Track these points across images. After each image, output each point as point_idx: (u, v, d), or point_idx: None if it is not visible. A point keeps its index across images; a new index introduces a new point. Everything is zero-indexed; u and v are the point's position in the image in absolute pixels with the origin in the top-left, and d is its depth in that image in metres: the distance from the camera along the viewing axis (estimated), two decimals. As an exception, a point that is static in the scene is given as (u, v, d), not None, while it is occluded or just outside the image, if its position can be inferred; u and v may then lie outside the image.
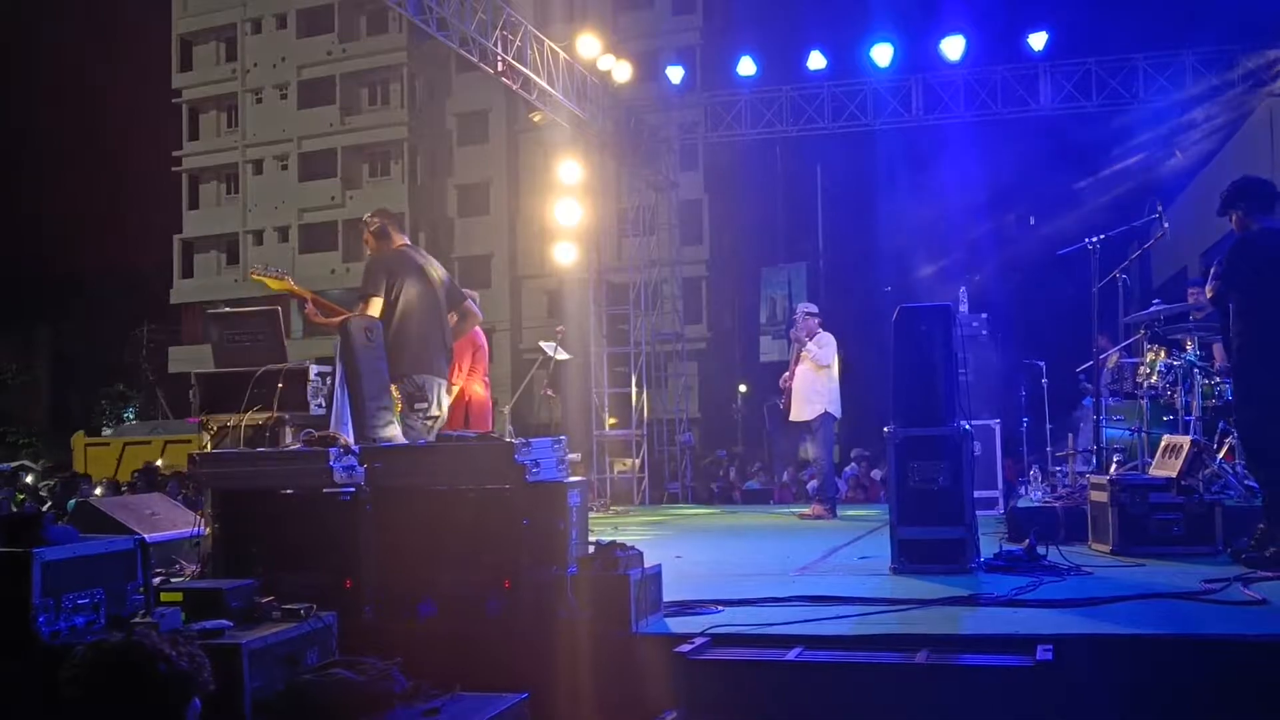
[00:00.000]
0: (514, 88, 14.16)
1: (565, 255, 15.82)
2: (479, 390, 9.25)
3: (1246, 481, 7.52)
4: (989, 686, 4.06)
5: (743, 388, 37.06)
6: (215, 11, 45.63)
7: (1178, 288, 16.57)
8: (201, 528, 5.49)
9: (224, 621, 4.09)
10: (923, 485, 6.30)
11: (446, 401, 7.25)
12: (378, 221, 7.18)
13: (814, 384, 10.83)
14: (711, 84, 20.79)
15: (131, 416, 46.70)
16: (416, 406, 6.79)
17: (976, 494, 6.56)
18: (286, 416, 6.13)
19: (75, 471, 21.94)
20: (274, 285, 6.95)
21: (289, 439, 6.02)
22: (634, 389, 17.06)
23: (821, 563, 7.16)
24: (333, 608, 4.62)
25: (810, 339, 10.90)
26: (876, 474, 19.12)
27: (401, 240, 7.19)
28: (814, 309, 11.32)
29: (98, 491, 19.30)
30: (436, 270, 7.23)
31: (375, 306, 6.78)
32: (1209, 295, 6.70)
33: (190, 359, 38.94)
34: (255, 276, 7.05)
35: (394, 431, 6.32)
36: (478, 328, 8.83)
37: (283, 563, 5.08)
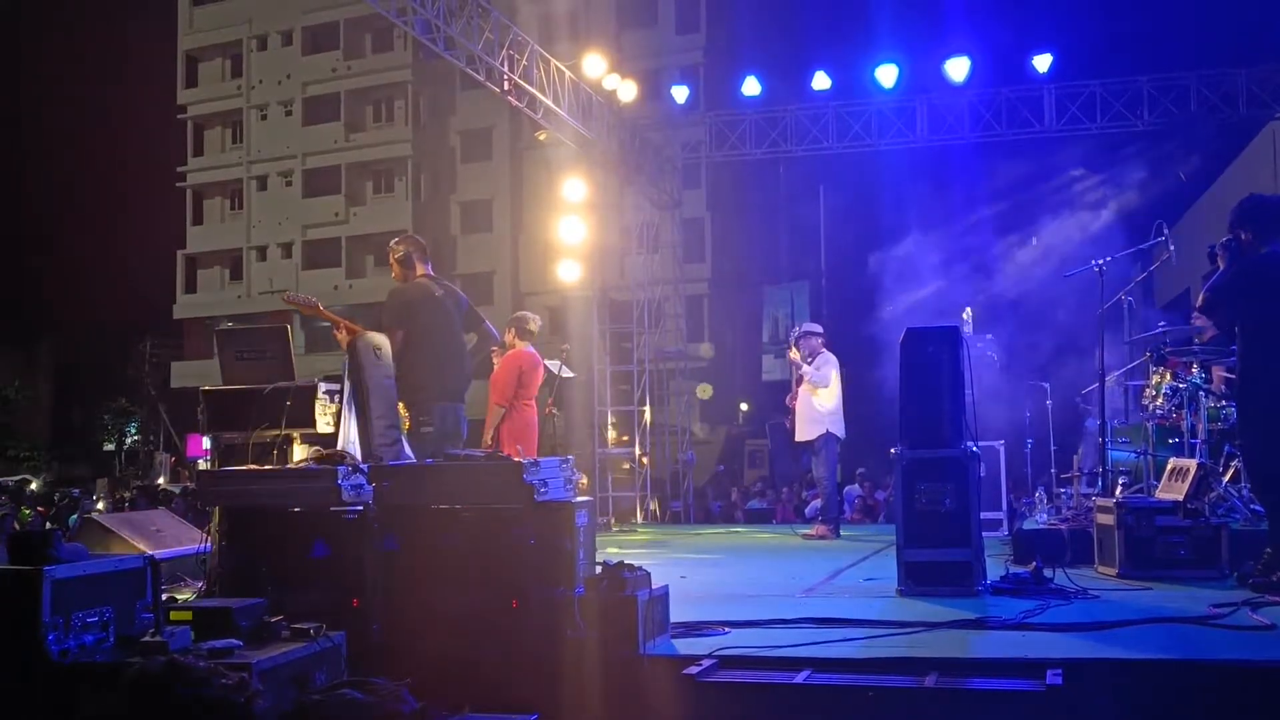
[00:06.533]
0: (520, 106, 14.20)
1: (569, 273, 15.83)
2: (526, 413, 9.62)
3: (1252, 505, 7.52)
4: (1000, 711, 4.05)
5: (744, 406, 37.03)
6: (221, 28, 45.80)
7: (1181, 310, 16.56)
8: (208, 545, 5.48)
9: (233, 641, 4.08)
10: (929, 507, 6.29)
11: (464, 424, 7.47)
12: (403, 249, 7.41)
13: (815, 405, 10.84)
14: (715, 103, 20.85)
15: (134, 431, 46.72)
16: (422, 430, 6.99)
17: (981, 515, 6.55)
18: (294, 434, 6.13)
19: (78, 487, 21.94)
20: (305, 311, 7.14)
21: (297, 457, 6.01)
22: (637, 407, 17.06)
23: (827, 584, 7.15)
24: (340, 627, 4.61)
25: (812, 359, 10.90)
26: (881, 495, 19.10)
27: (423, 270, 7.42)
28: (817, 329, 11.33)
29: (100, 507, 19.31)
30: (453, 298, 7.46)
31: (398, 339, 6.94)
32: (1199, 304, 6.69)
33: (193, 374, 38.94)
34: (288, 301, 7.26)
35: (401, 450, 6.31)
36: (529, 348, 9.59)
37: (290, 581, 5.07)
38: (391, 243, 7.62)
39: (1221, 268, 6.48)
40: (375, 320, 7.51)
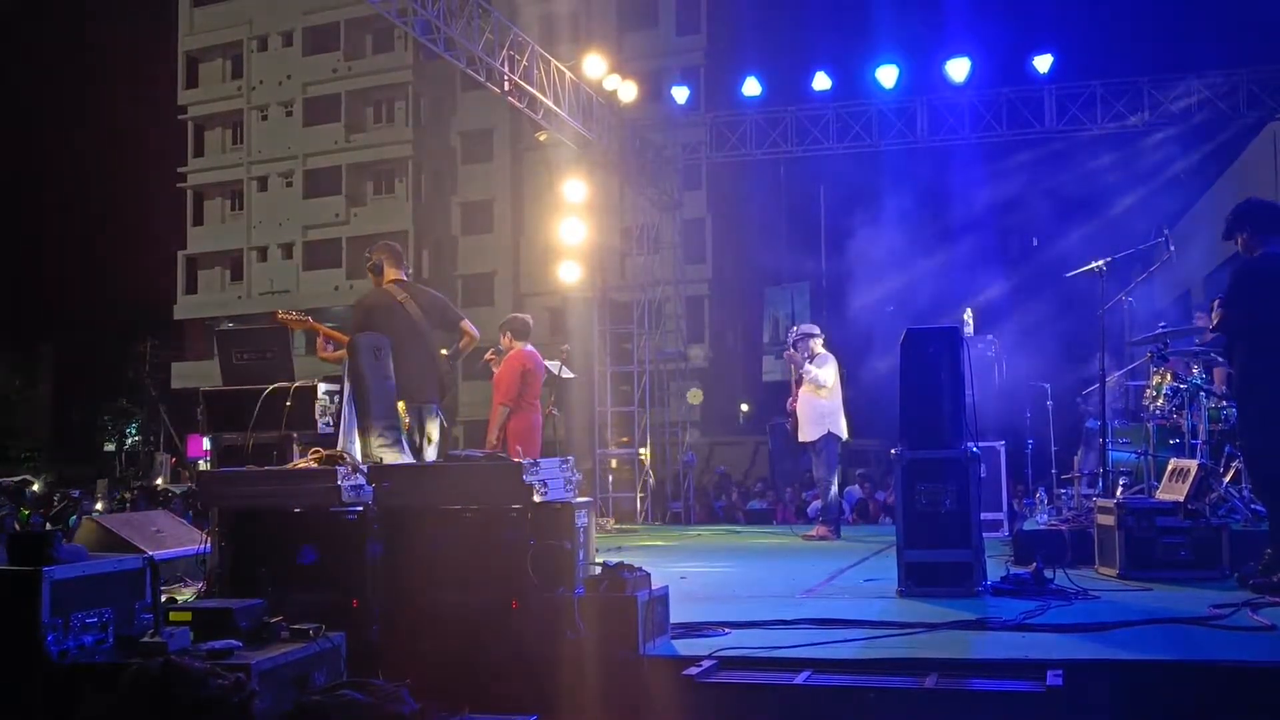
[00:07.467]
0: (520, 107, 14.21)
1: (569, 273, 15.83)
2: (530, 414, 9.78)
3: (1253, 506, 7.52)
4: (1000, 712, 4.04)
5: (745, 407, 37.01)
6: (221, 29, 45.79)
7: (1181, 311, 16.57)
8: (208, 545, 5.47)
9: (233, 641, 4.07)
10: (930, 508, 6.28)
11: (435, 424, 7.58)
12: (374, 258, 7.75)
13: (815, 405, 10.84)
14: (716, 104, 20.87)
15: (134, 432, 46.71)
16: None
17: (981, 516, 6.54)
18: (294, 435, 6.13)
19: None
20: (297, 327, 7.35)
21: (296, 457, 6.01)
22: (637, 408, 17.06)
23: (828, 585, 7.14)
24: (339, 627, 4.60)
25: (811, 360, 10.90)
26: (881, 496, 19.08)
27: (394, 275, 7.65)
28: (815, 329, 11.31)
29: (99, 507, 19.30)
30: (419, 302, 7.58)
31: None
32: (1215, 321, 6.69)
33: (193, 375, 38.95)
34: (279, 319, 7.34)
35: (399, 452, 6.31)
36: (529, 348, 9.80)
37: (290, 582, 5.06)
38: (366, 251, 7.92)
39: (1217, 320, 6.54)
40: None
